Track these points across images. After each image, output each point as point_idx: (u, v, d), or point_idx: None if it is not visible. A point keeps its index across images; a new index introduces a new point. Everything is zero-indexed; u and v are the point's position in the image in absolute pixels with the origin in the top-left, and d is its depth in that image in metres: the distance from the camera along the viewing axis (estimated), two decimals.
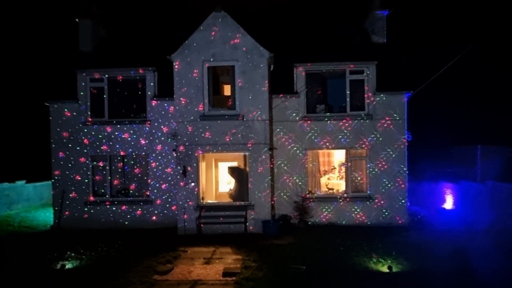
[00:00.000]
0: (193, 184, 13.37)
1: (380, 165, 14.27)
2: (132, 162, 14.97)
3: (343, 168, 14.74)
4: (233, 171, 14.62)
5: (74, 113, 14.76)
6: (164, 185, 14.60)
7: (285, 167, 14.47)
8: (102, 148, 14.71)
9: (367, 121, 14.31)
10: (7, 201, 18.18)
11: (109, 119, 14.73)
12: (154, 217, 14.55)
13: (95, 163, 14.88)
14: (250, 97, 13.31)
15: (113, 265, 9.85)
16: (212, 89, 13.90)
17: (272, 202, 13.74)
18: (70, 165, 14.74)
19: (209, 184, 15.26)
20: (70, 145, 14.75)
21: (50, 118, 14.88)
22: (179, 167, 13.42)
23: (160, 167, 14.63)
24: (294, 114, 14.47)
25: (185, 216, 13.24)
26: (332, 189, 15.00)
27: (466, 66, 21.90)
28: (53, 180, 14.88)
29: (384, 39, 16.01)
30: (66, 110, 14.77)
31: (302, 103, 14.46)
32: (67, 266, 9.75)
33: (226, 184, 15.97)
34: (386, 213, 14.21)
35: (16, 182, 19.05)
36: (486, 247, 10.86)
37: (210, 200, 14.72)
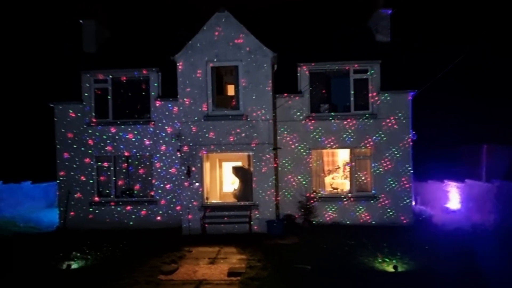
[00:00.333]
0: (197, 184, 13.40)
1: (384, 165, 14.22)
2: (137, 163, 15.02)
3: (348, 168, 14.72)
4: (237, 171, 14.63)
5: (79, 114, 14.84)
6: (169, 185, 14.64)
7: (289, 167, 14.47)
8: (106, 148, 14.77)
9: (371, 120, 14.26)
10: (13, 202, 18.27)
11: (113, 120, 14.79)
12: (158, 217, 14.59)
13: (99, 163, 14.94)
14: (254, 97, 13.31)
15: (118, 265, 9.89)
16: (216, 89, 13.92)
17: (277, 202, 13.74)
18: (75, 165, 14.81)
19: (213, 184, 15.27)
20: (75, 146, 14.82)
21: (55, 119, 14.96)
22: (183, 167, 13.45)
23: (164, 168, 14.67)
24: (298, 114, 14.45)
25: (190, 216, 13.26)
26: (337, 188, 14.97)
27: (472, 64, 21.78)
28: (58, 181, 14.97)
29: (388, 38, 15.93)
30: (70, 111, 14.85)
31: (306, 102, 14.44)
32: (73, 266, 9.79)
33: (230, 184, 15.98)
34: (391, 213, 14.16)
35: (22, 183, 19.14)
36: (492, 246, 10.78)
37: (214, 200, 14.74)
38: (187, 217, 13.29)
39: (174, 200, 14.58)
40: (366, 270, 9.18)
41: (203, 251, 11.01)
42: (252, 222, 13.08)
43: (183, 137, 13.45)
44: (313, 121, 14.43)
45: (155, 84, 14.69)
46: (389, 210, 14.17)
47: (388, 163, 14.22)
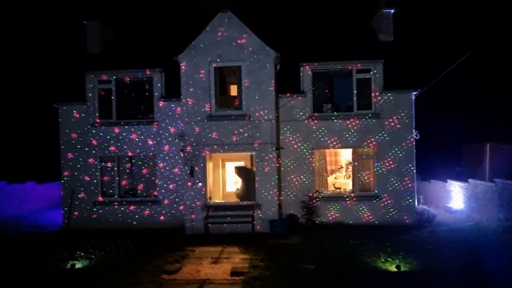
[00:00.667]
0: (200, 184, 13.44)
1: (387, 164, 14.22)
2: (140, 163, 15.09)
3: (350, 167, 14.71)
4: (240, 170, 14.66)
5: (83, 115, 14.92)
6: (172, 185, 14.70)
7: (292, 167, 14.48)
8: (110, 149, 14.84)
9: (374, 120, 14.26)
10: (17, 202, 18.41)
11: (117, 120, 14.86)
12: (162, 217, 14.65)
13: (103, 163, 15.01)
14: (256, 97, 13.34)
15: (122, 264, 9.95)
16: (219, 89, 13.94)
17: (279, 202, 13.77)
18: (79, 166, 14.90)
19: (216, 184, 15.32)
20: (78, 146, 14.91)
21: (59, 119, 15.05)
22: (186, 167, 13.50)
23: (167, 168, 14.72)
24: (301, 114, 14.47)
25: (193, 216, 13.31)
26: (339, 188, 14.97)
27: (473, 64, 21.72)
28: (62, 181, 15.05)
29: (391, 38, 15.92)
30: (74, 111, 14.93)
31: (308, 102, 14.45)
32: (77, 266, 9.85)
33: (233, 183, 16.01)
34: (394, 212, 14.16)
35: (26, 183, 19.28)
36: (495, 246, 10.77)
37: (217, 200, 14.78)
38: (190, 217, 13.34)
39: (177, 200, 14.63)
40: (369, 269, 9.19)
41: (206, 251, 11.05)
42: (255, 222, 13.12)
43: (186, 137, 13.49)
44: (315, 121, 14.44)
45: (159, 85, 14.75)
46: (392, 209, 14.16)
47: (391, 162, 14.21)
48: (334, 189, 14.95)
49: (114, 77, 14.78)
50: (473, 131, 22.04)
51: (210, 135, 13.43)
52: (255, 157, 13.51)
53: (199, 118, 13.44)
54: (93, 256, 10.56)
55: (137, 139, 14.81)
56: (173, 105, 14.70)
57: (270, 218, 13.13)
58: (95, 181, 14.90)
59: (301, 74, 14.49)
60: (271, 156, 13.37)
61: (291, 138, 14.51)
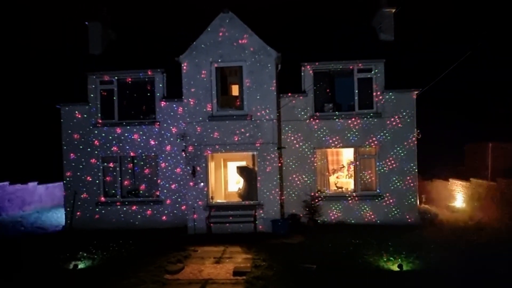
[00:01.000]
0: (202, 184, 13.46)
1: (389, 163, 14.21)
2: (142, 163, 15.12)
3: (352, 167, 14.72)
4: (242, 170, 14.68)
5: (85, 115, 14.96)
6: (174, 185, 14.72)
7: (294, 166, 14.49)
8: (112, 149, 14.88)
9: (376, 119, 14.26)
10: (20, 202, 18.46)
11: (119, 121, 14.90)
12: (164, 217, 14.67)
13: (105, 164, 15.05)
14: (258, 97, 13.36)
15: (124, 264, 9.97)
16: (220, 89, 13.97)
17: (281, 201, 13.78)
18: (81, 166, 14.93)
19: (218, 183, 15.34)
20: (81, 147, 14.94)
21: (62, 120, 15.09)
22: (188, 167, 13.52)
23: (169, 168, 14.75)
24: (303, 113, 14.48)
25: (195, 215, 13.33)
26: (341, 187, 14.98)
27: (477, 63, 21.68)
28: (64, 181, 15.10)
29: (392, 37, 15.90)
30: (76, 112, 14.98)
31: (310, 102, 14.46)
32: (79, 266, 9.88)
33: (235, 183, 16.02)
34: (396, 212, 14.15)
35: (28, 183, 19.32)
36: (498, 245, 10.75)
37: (219, 199, 14.80)
38: (193, 216, 13.36)
39: (179, 200, 14.65)
40: (372, 269, 9.20)
41: (209, 251, 11.08)
42: (257, 222, 13.13)
43: (188, 137, 13.52)
44: (317, 121, 14.44)
45: (160, 85, 14.78)
46: (394, 209, 14.16)
47: (392, 162, 14.21)
48: (336, 188, 14.96)
49: (116, 77, 14.82)
50: (476, 130, 21.99)
51: (211, 135, 13.45)
52: (256, 157, 13.52)
53: (200, 118, 13.46)
54: (95, 256, 10.59)
55: (139, 140, 14.84)
56: (174, 105, 14.73)
57: (272, 218, 13.14)
58: (97, 181, 14.94)
59: (302, 74, 14.49)
60: (273, 155, 13.38)
61: (292, 138, 14.52)
